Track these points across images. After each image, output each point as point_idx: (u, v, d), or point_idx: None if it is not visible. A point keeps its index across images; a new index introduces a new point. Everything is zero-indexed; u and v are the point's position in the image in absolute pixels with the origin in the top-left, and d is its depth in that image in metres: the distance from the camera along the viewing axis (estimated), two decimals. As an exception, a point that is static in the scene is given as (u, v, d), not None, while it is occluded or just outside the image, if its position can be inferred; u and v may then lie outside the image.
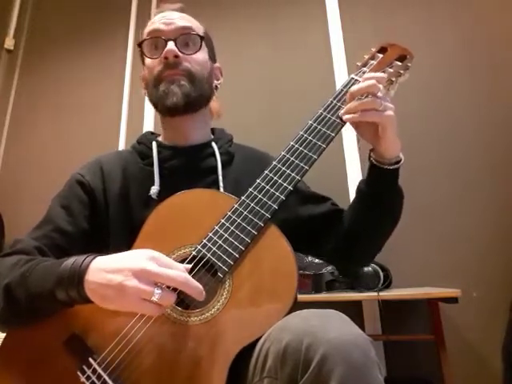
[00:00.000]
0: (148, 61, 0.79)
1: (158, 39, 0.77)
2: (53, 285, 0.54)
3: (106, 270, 0.52)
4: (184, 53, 0.76)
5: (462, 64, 1.72)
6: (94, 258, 0.55)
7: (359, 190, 0.75)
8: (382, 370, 0.45)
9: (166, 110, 0.77)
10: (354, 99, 0.66)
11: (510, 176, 1.55)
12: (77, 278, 0.53)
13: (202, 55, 0.79)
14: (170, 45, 0.75)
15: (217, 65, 0.87)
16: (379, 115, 0.65)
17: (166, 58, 0.74)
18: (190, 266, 0.57)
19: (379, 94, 0.65)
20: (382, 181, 0.71)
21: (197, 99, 0.77)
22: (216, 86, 0.85)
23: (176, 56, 0.75)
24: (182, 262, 0.60)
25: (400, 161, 0.70)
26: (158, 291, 0.49)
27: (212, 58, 0.85)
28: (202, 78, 0.78)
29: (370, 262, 0.85)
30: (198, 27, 0.81)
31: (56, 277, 0.55)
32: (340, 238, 0.76)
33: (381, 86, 0.66)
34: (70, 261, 0.56)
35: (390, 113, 0.65)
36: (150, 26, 0.79)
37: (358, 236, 0.74)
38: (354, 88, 0.66)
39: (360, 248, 0.77)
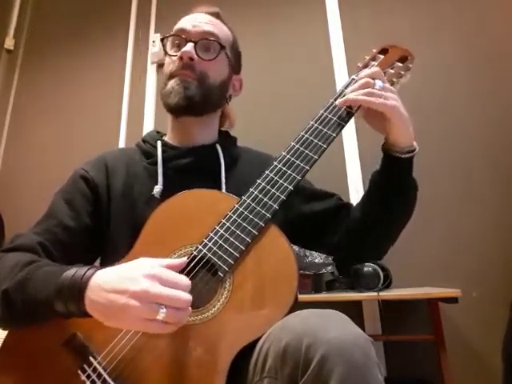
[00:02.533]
0: (167, 57, 0.80)
1: (180, 38, 0.78)
2: (52, 296, 0.53)
3: (107, 289, 0.50)
4: (201, 57, 0.76)
5: (462, 63, 1.72)
6: (94, 272, 0.53)
7: (372, 180, 0.75)
8: (382, 369, 0.45)
9: (167, 108, 0.79)
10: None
11: (510, 176, 1.55)
12: (77, 292, 0.52)
13: (219, 63, 0.79)
14: (188, 46, 0.75)
15: (238, 77, 0.87)
16: (379, 104, 0.66)
17: (181, 58, 0.75)
18: (184, 259, 0.55)
19: (377, 86, 0.67)
20: (394, 169, 0.71)
21: (200, 104, 0.77)
22: (230, 96, 0.86)
23: (191, 59, 0.75)
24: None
25: (414, 150, 0.70)
26: (162, 310, 0.47)
27: (234, 69, 0.85)
28: (213, 86, 0.78)
29: (382, 255, 0.83)
30: (224, 36, 0.81)
31: (55, 288, 0.53)
32: (350, 231, 0.76)
33: (376, 80, 0.68)
34: (71, 272, 0.54)
35: (392, 102, 0.67)
36: (178, 24, 0.80)
37: (370, 227, 0.74)
38: (348, 91, 0.70)
39: (372, 240, 0.76)
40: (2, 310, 0.57)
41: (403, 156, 0.69)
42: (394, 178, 0.71)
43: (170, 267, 0.52)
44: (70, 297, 0.52)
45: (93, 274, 0.53)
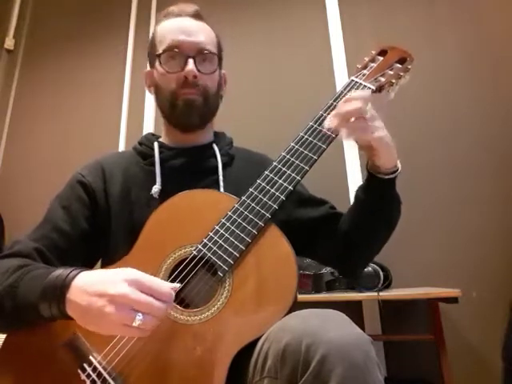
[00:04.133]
0: (162, 71, 0.77)
1: (177, 53, 0.76)
2: (37, 299, 0.54)
3: (88, 291, 0.50)
4: (202, 72, 0.76)
5: (462, 63, 1.72)
6: (78, 274, 0.54)
7: (356, 197, 0.75)
8: (382, 369, 0.45)
9: (181, 128, 0.80)
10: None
11: (510, 177, 1.55)
12: (59, 293, 0.52)
13: (216, 73, 0.81)
14: (191, 64, 0.75)
15: (223, 72, 0.87)
16: (367, 136, 0.64)
17: (185, 77, 0.75)
18: (178, 285, 0.54)
19: (367, 116, 0.63)
20: (378, 189, 0.71)
21: (209, 116, 0.81)
22: (221, 96, 0.87)
23: (195, 76, 0.75)
24: (183, 261, 0.61)
25: (397, 170, 0.70)
26: (139, 317, 0.47)
27: (220, 66, 0.85)
28: (214, 94, 0.80)
29: (366, 266, 0.86)
30: (213, 40, 0.81)
31: (40, 291, 0.54)
32: (337, 241, 0.76)
33: (368, 105, 0.64)
34: (56, 273, 0.55)
35: (379, 134, 0.64)
36: (168, 34, 0.78)
37: (354, 241, 0.75)
38: (341, 110, 0.63)
39: (356, 252, 0.77)
40: None
41: (386, 177, 0.70)
42: (376, 195, 0.72)
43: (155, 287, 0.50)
44: (52, 298, 0.52)
45: (76, 276, 0.53)
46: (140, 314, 0.47)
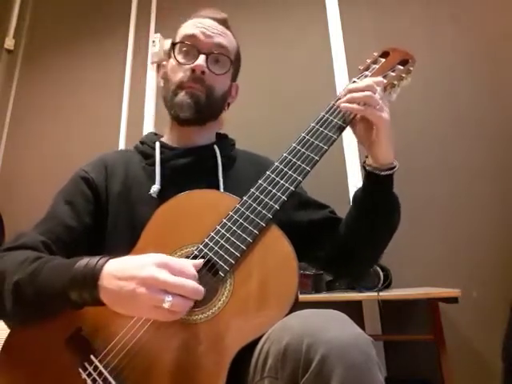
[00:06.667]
0: (174, 61, 0.79)
1: (190, 46, 0.78)
2: (65, 285, 0.55)
3: (118, 276, 0.52)
4: (211, 71, 0.77)
5: (462, 64, 1.73)
6: (106, 261, 0.55)
7: (355, 198, 0.75)
8: (383, 369, 0.46)
9: (177, 119, 0.80)
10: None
11: (510, 177, 1.55)
12: (90, 280, 0.54)
13: (226, 76, 0.80)
14: (201, 59, 0.75)
15: (235, 84, 0.88)
16: (375, 113, 0.67)
17: (193, 70, 0.75)
18: (201, 261, 0.57)
19: (376, 95, 0.67)
20: (376, 187, 0.72)
21: (207, 115, 0.80)
22: (228, 104, 0.87)
23: (203, 72, 0.75)
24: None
25: (394, 167, 0.71)
26: (168, 299, 0.49)
27: (234, 77, 0.86)
28: (219, 97, 0.79)
29: (366, 271, 0.85)
30: (232, 47, 0.82)
31: (69, 278, 0.55)
32: (336, 246, 0.76)
33: (378, 89, 0.68)
34: (83, 262, 0.56)
35: (385, 115, 0.68)
36: (188, 28, 0.79)
37: (354, 245, 0.74)
38: (352, 85, 0.70)
39: (356, 257, 0.77)
40: (13, 303, 0.57)
41: (382, 173, 0.70)
42: (372, 195, 0.72)
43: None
44: (84, 285, 0.54)
45: (105, 263, 0.55)
46: (170, 296, 0.49)
